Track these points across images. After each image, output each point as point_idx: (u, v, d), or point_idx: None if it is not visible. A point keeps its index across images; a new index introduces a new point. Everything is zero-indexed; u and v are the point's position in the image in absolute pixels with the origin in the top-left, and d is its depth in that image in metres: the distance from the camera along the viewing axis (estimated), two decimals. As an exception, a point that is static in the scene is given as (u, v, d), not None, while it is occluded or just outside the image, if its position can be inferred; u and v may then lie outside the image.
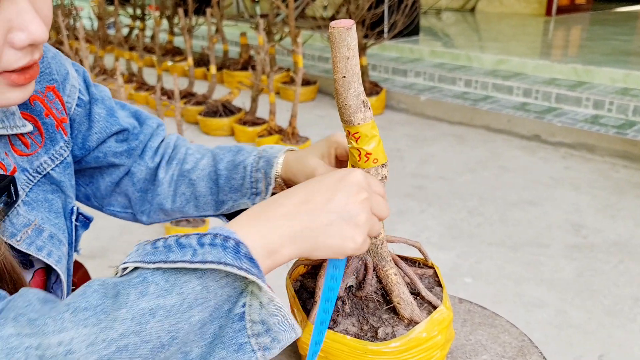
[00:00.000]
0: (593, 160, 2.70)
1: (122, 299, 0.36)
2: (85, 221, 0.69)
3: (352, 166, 0.57)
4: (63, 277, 0.60)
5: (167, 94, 3.51)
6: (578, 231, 2.05)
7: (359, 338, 0.57)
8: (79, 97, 0.64)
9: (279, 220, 0.43)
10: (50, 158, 0.60)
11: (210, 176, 0.73)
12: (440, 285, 0.64)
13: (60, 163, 0.62)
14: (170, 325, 0.37)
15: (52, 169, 0.61)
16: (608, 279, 1.77)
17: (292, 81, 3.93)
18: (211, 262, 0.37)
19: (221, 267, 0.37)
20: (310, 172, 0.65)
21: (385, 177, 0.56)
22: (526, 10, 6.29)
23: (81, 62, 2.71)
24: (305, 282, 0.65)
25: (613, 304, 1.65)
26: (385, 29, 4.12)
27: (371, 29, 3.56)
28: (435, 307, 0.59)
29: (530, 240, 2.01)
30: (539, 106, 3.20)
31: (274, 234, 0.42)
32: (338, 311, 0.60)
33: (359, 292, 0.59)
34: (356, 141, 0.54)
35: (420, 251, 0.67)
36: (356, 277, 0.60)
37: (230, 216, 0.75)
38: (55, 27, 3.89)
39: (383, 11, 4.04)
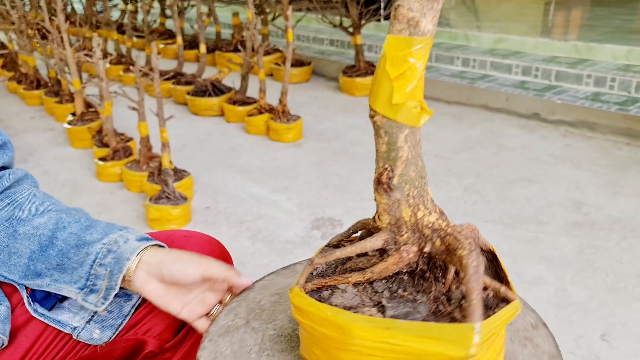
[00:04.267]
0: (594, 138, 2.60)
1: None
2: None
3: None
4: None
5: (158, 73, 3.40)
6: (579, 208, 1.96)
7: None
8: None
9: None
10: None
11: (41, 240, 0.61)
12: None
13: None
14: None
15: None
16: (610, 256, 1.68)
17: (285, 62, 3.82)
18: None
19: None
20: (176, 280, 0.61)
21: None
22: (526, -8, 6.16)
23: (62, 39, 2.61)
24: None
25: (616, 281, 1.56)
26: (382, 8, 4.01)
27: (365, 6, 3.45)
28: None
29: (529, 217, 1.92)
30: (538, 84, 3.10)
31: None
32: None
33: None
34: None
35: None
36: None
37: (34, 292, 0.64)
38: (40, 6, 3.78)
39: (378, -11, 3.93)
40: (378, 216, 0.54)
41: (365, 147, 2.61)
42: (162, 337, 0.71)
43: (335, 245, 0.59)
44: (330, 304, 0.50)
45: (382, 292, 0.53)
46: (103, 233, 0.62)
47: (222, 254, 0.76)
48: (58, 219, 0.63)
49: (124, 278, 0.61)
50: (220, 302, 0.67)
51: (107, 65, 2.30)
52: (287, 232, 1.88)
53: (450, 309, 0.49)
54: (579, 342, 1.35)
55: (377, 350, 0.45)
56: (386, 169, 0.52)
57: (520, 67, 3.24)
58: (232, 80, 3.33)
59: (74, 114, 2.78)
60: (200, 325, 0.66)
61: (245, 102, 2.95)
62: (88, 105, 2.79)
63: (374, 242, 0.53)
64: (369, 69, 3.43)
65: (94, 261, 0.60)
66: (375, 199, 0.54)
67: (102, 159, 2.34)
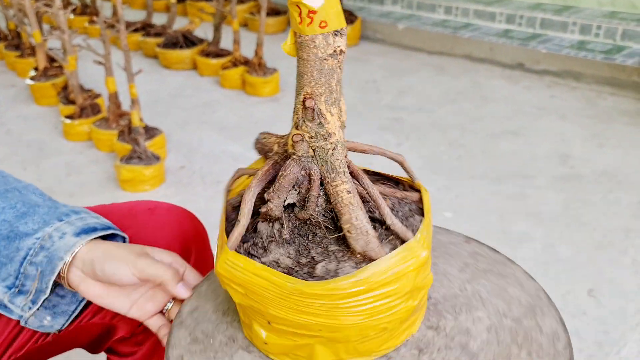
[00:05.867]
0: (579, 88, 2.55)
1: None
2: None
3: (295, 32, 0.40)
4: None
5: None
6: (565, 161, 1.92)
7: (290, 274, 0.41)
8: None
9: None
10: None
11: None
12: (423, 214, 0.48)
13: None
14: None
15: None
16: (597, 210, 1.65)
17: (260, 11, 3.64)
18: None
19: None
20: (109, 278, 0.54)
21: (341, 51, 0.39)
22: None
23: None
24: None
25: (603, 236, 1.54)
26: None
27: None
28: (403, 242, 0.43)
29: (514, 172, 1.87)
30: (522, 33, 3.01)
31: None
32: (272, 236, 0.44)
33: (301, 213, 0.43)
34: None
35: (403, 167, 0.50)
36: (298, 193, 0.43)
37: None
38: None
39: None
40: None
41: (346, 100, 2.50)
42: (133, 321, 0.64)
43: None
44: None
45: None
46: (40, 223, 0.54)
47: (193, 226, 0.69)
48: None
49: (59, 275, 0.53)
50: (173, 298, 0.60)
51: (70, 15, 2.15)
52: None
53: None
54: (566, 298, 1.33)
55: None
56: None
57: (504, 15, 3.13)
58: (204, 31, 3.16)
59: (36, 69, 2.62)
60: (154, 323, 0.59)
61: (218, 54, 2.81)
62: (51, 59, 2.62)
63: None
64: (348, 17, 3.29)
65: (24, 258, 0.52)
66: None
67: (69, 117, 2.21)
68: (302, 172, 0.43)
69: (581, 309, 1.30)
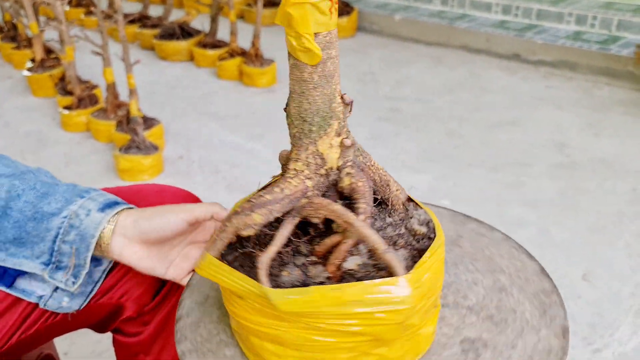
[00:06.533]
0: (575, 79, 2.56)
1: None
2: None
3: (316, 34, 0.42)
4: None
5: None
6: (561, 150, 1.94)
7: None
8: None
9: None
10: None
11: None
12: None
13: None
14: None
15: None
16: (593, 197, 1.67)
17: (257, 2, 3.64)
18: None
19: None
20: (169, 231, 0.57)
21: None
22: None
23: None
24: None
25: (597, 221, 1.56)
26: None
27: (341, -59, 3.27)
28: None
29: (511, 161, 1.89)
30: (519, 24, 3.02)
31: None
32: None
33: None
34: None
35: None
36: None
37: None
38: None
39: None
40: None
41: (343, 92, 2.52)
42: (140, 301, 0.66)
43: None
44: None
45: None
46: (62, 202, 0.55)
47: None
48: (11, 186, 0.55)
49: (96, 247, 0.55)
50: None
51: (67, 7, 2.14)
52: (265, 181, 1.81)
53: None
54: (561, 282, 1.35)
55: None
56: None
57: (500, 6, 3.14)
58: (201, 22, 3.16)
59: (33, 61, 2.61)
60: (187, 281, 0.61)
61: (215, 45, 2.81)
62: (48, 51, 2.62)
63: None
64: (344, 9, 3.29)
65: (56, 236, 0.53)
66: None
67: (67, 107, 2.21)
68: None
69: (576, 293, 1.32)
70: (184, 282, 0.61)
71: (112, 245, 0.55)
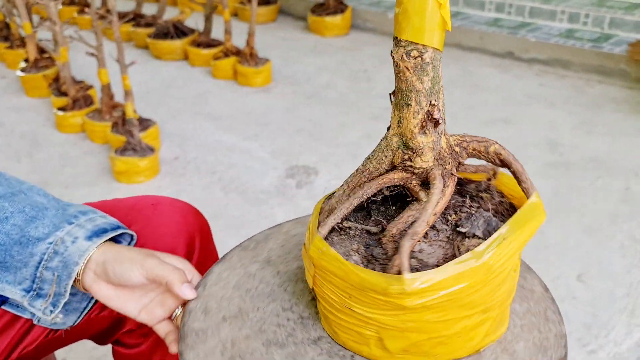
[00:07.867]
0: (568, 77, 2.58)
1: None
2: None
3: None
4: None
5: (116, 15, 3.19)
6: (554, 149, 1.96)
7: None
8: None
9: None
10: None
11: None
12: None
13: None
14: None
15: None
16: (586, 196, 1.69)
17: (251, 1, 3.63)
18: None
19: None
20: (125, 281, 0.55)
21: None
22: None
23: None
24: None
25: (591, 221, 1.58)
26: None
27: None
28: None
29: (505, 159, 1.90)
30: (512, 21, 3.03)
31: None
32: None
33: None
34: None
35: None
36: None
37: None
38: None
39: None
40: (420, 158, 0.48)
41: (337, 90, 2.53)
42: None
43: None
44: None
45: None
46: (50, 227, 0.54)
47: (197, 221, 0.70)
48: (0, 208, 0.55)
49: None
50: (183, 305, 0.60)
51: (60, 6, 2.12)
52: (261, 181, 1.83)
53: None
54: (556, 283, 1.37)
55: None
56: (434, 105, 0.47)
57: (494, 4, 3.15)
58: (195, 21, 3.16)
59: (27, 61, 2.60)
60: (162, 329, 0.59)
61: (210, 44, 2.81)
62: (42, 51, 2.60)
63: (441, 186, 0.48)
64: (338, 6, 3.29)
65: (39, 263, 0.53)
66: (416, 142, 0.48)
67: (62, 108, 2.21)
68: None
69: (571, 293, 1.34)
70: (157, 328, 0.59)
71: (83, 278, 0.55)
